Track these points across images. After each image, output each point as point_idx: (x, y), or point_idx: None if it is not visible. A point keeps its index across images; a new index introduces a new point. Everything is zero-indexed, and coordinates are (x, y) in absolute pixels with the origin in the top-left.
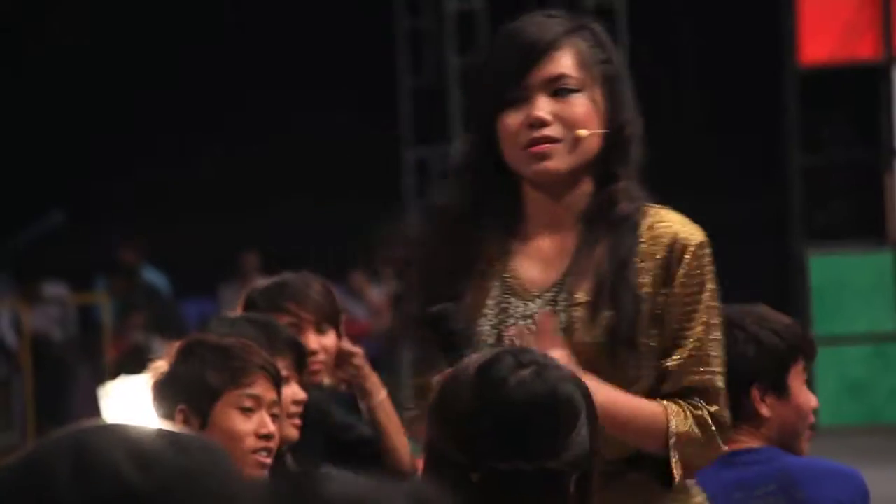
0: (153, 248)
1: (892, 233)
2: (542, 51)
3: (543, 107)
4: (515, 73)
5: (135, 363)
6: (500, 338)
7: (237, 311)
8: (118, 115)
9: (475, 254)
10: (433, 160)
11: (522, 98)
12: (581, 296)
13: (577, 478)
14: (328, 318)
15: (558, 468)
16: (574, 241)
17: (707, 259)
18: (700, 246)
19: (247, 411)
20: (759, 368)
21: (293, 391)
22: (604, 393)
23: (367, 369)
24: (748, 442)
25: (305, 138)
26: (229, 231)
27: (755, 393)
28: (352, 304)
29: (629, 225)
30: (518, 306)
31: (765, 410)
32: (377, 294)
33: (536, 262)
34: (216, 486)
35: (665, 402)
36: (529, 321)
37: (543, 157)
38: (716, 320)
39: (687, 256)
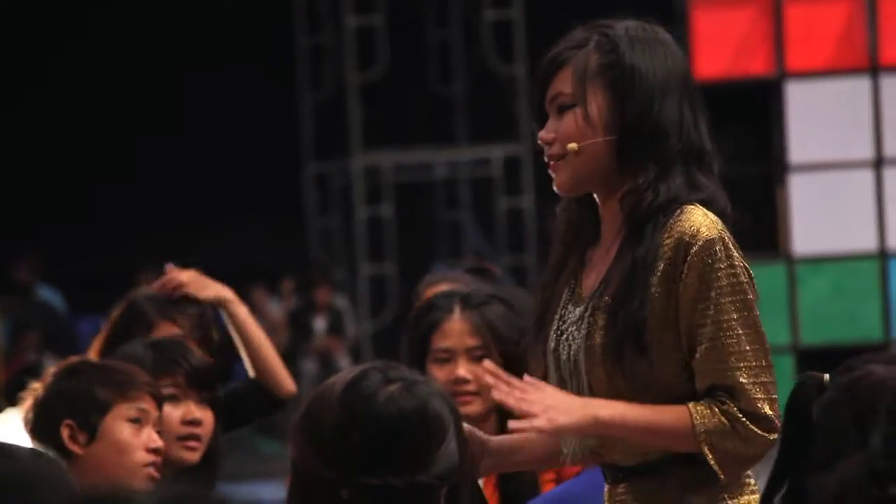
0: (48, 265)
1: (784, 246)
2: (548, 72)
3: (548, 127)
4: (538, 98)
5: (28, 383)
6: (558, 343)
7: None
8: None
9: (564, 267)
10: (333, 175)
11: (546, 120)
12: (601, 301)
13: (447, 491)
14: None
15: (428, 482)
16: (615, 248)
17: (717, 256)
18: (706, 244)
19: (136, 423)
20: None
21: (186, 410)
22: (620, 410)
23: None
24: None
25: (204, 152)
26: (125, 248)
27: None
28: None
29: (654, 225)
30: (572, 312)
31: None
32: (276, 310)
33: (591, 269)
34: (46, 491)
35: (691, 403)
36: (573, 327)
37: (554, 175)
38: (732, 315)
39: (690, 255)
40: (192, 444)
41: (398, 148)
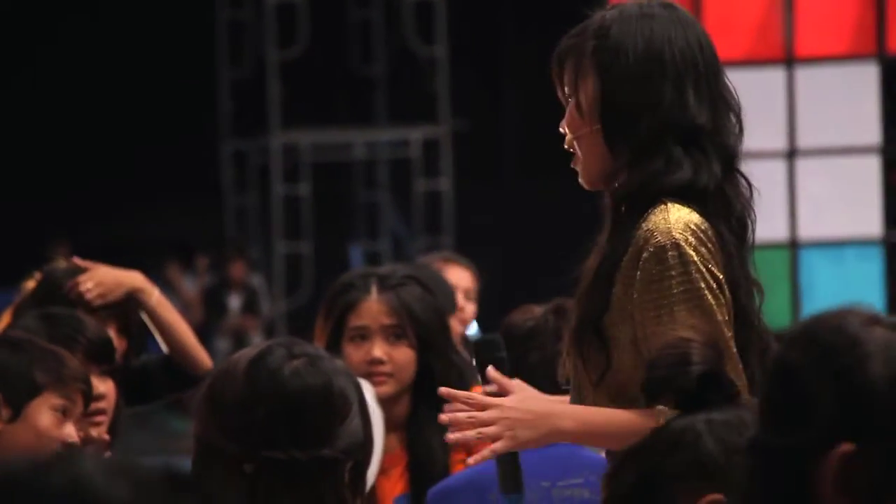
0: None
1: None
2: (558, 67)
3: (562, 122)
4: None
5: None
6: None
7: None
8: None
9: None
10: (251, 153)
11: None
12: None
13: (352, 466)
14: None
15: (333, 456)
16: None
17: (668, 263)
18: (657, 251)
19: (61, 413)
20: None
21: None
22: (584, 417)
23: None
24: None
25: (121, 128)
26: (37, 220)
27: None
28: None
29: (630, 215)
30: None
31: None
32: (190, 287)
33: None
34: None
35: (659, 407)
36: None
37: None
38: (688, 322)
39: (642, 260)
40: (98, 418)
41: (317, 127)
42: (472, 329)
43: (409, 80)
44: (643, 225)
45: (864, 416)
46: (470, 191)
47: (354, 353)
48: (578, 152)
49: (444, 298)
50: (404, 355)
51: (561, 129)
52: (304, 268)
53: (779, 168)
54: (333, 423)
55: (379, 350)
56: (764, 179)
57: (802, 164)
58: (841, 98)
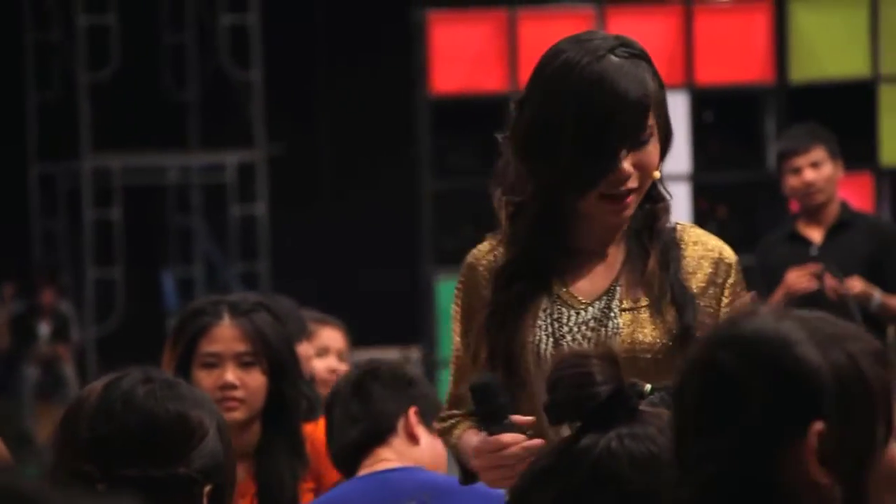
0: None
1: None
2: (642, 113)
3: (629, 160)
4: (640, 116)
5: None
6: (557, 345)
7: None
8: None
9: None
10: (60, 177)
11: (641, 141)
12: (629, 302)
13: (211, 490)
14: None
15: (189, 474)
16: (620, 255)
17: (742, 275)
18: (738, 263)
19: None
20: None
21: None
22: None
23: None
24: (394, 461)
25: None
26: None
27: (412, 415)
28: None
29: (672, 239)
30: (570, 316)
31: (419, 432)
32: None
33: (584, 275)
34: None
35: None
36: (584, 328)
37: (623, 209)
38: None
39: (733, 273)
40: None
41: (129, 150)
42: None
43: (224, 105)
44: (700, 241)
45: (813, 398)
46: (286, 216)
47: (206, 378)
48: (636, 199)
49: (296, 325)
50: (256, 381)
51: (631, 169)
52: (116, 294)
53: None
54: (189, 442)
55: (231, 375)
56: None
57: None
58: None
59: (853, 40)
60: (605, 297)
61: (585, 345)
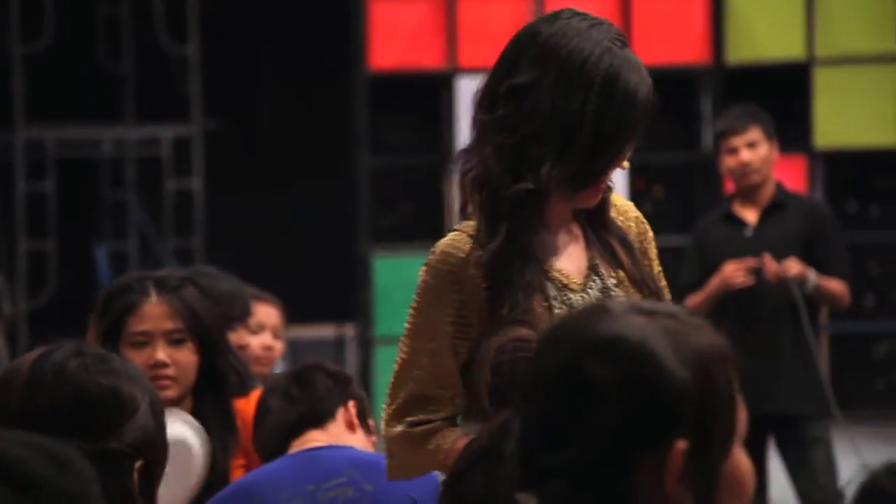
0: None
1: None
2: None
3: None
4: (648, 110)
5: None
6: None
7: None
8: None
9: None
10: None
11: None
12: (613, 280)
13: (142, 466)
14: None
15: (119, 449)
16: (578, 231)
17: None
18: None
19: None
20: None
21: None
22: None
23: None
24: (324, 441)
25: None
26: None
27: (352, 407)
28: None
29: (607, 207)
30: (577, 300)
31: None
32: None
33: (563, 257)
34: None
35: None
36: None
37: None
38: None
39: (648, 232)
40: None
41: (63, 123)
42: (279, 367)
43: (160, 78)
44: (618, 205)
45: (675, 411)
46: (222, 191)
47: (136, 357)
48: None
49: (240, 306)
50: (187, 358)
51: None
52: (48, 267)
53: None
54: (120, 416)
55: (162, 354)
56: None
57: None
58: None
59: (789, 23)
60: (594, 276)
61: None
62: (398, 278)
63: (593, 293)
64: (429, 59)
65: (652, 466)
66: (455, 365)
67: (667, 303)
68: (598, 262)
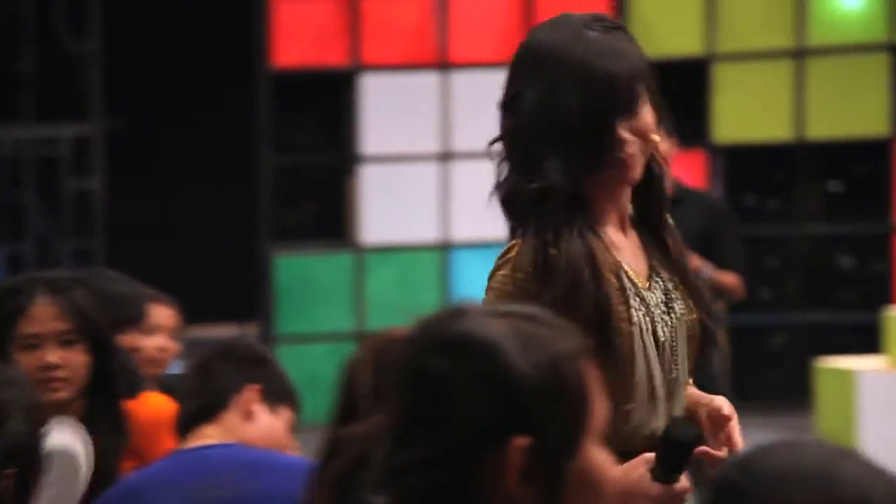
0: None
1: (352, 236)
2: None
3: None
4: (632, 87)
5: None
6: (654, 326)
7: None
8: None
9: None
10: None
11: (635, 109)
12: (671, 283)
13: (16, 472)
14: None
15: None
16: (634, 234)
17: None
18: None
19: None
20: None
21: None
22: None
23: None
24: (216, 438)
25: None
26: None
27: (250, 393)
28: None
29: (663, 204)
30: (649, 297)
31: (255, 410)
32: None
33: (626, 255)
34: None
35: None
36: (662, 308)
37: (629, 170)
38: None
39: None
40: None
41: None
42: (175, 368)
43: (60, 77)
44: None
45: (521, 409)
46: (122, 191)
47: (27, 359)
48: (640, 160)
49: (135, 309)
50: (78, 359)
51: (628, 136)
52: None
53: (432, 171)
54: None
55: (53, 355)
56: (418, 182)
57: (455, 167)
58: (493, 103)
59: (688, 19)
60: (656, 277)
61: (667, 329)
62: (299, 277)
63: (658, 295)
64: (332, 56)
65: (494, 463)
66: None
67: (531, 309)
68: (655, 262)
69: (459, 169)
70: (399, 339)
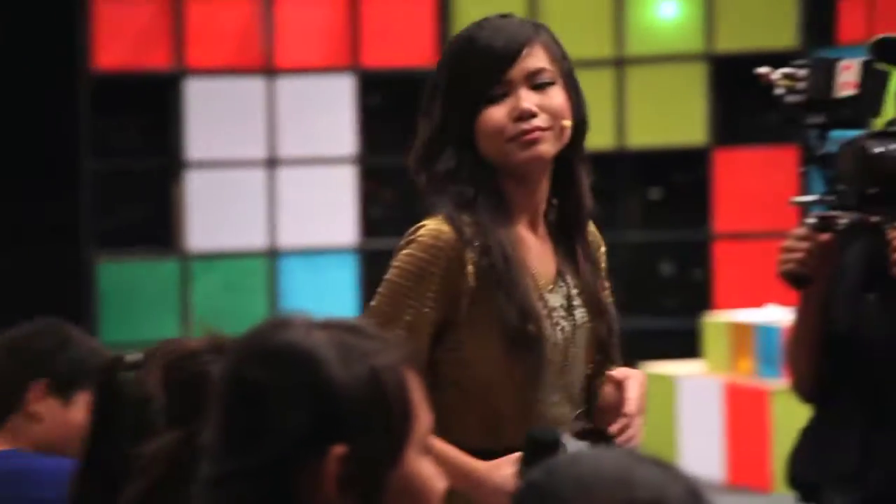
0: None
1: (179, 242)
2: (520, 47)
3: (529, 99)
4: (496, 71)
5: None
6: (553, 329)
7: None
8: None
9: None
10: None
11: (504, 94)
12: (575, 289)
13: None
14: None
15: None
16: (544, 232)
17: None
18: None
19: None
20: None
21: None
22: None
23: None
24: (4, 445)
25: None
26: None
27: (34, 391)
28: None
29: (582, 211)
30: (550, 298)
31: (41, 408)
32: None
33: (533, 254)
34: None
35: None
36: (561, 313)
37: (535, 143)
38: None
39: (602, 248)
40: None
41: None
42: None
43: None
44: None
45: (339, 418)
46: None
47: None
48: (556, 132)
49: None
50: None
51: (532, 106)
52: None
53: (259, 177)
54: None
55: None
56: (244, 188)
57: (282, 174)
58: (319, 109)
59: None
60: (561, 282)
61: (559, 332)
62: (122, 283)
63: (559, 298)
64: (155, 60)
65: (314, 472)
66: (427, 345)
67: (355, 321)
68: (564, 269)
69: (286, 175)
70: (188, 350)
